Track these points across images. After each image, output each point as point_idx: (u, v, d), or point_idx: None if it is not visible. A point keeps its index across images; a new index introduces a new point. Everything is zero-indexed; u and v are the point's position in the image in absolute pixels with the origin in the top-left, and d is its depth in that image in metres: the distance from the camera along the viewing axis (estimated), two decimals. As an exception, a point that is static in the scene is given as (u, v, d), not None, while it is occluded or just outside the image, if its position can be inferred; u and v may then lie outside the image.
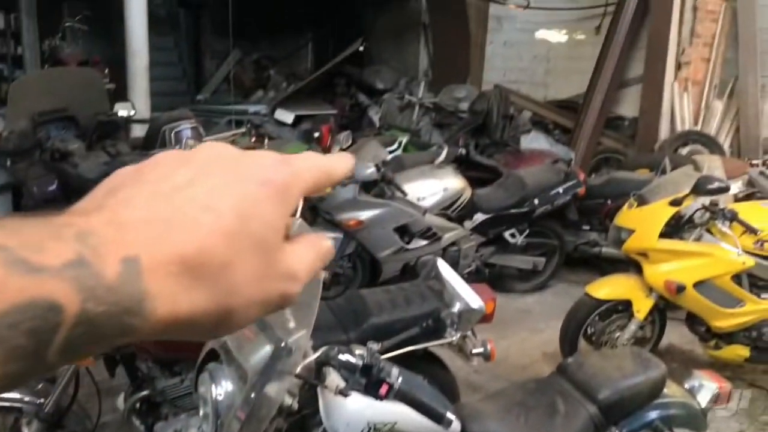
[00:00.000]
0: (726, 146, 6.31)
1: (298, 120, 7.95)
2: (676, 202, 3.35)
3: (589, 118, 6.45)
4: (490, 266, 4.87)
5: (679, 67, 6.37)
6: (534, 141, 6.33)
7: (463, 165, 5.66)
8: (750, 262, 3.32)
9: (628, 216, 3.56)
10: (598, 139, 6.65)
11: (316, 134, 7.17)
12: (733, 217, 3.28)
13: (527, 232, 4.85)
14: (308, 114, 7.92)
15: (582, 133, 6.46)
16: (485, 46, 8.56)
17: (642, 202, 3.51)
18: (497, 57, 8.53)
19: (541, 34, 7.98)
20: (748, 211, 3.44)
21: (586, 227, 5.17)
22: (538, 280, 5.10)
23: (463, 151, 5.59)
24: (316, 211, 4.66)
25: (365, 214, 4.29)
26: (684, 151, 6.07)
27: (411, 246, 4.48)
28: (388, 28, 9.87)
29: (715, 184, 3.27)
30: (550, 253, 5.06)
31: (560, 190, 4.79)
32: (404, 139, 6.05)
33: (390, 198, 4.37)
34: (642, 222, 3.45)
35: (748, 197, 5.58)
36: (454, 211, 4.60)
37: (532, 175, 4.85)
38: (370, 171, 4.13)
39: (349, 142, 4.97)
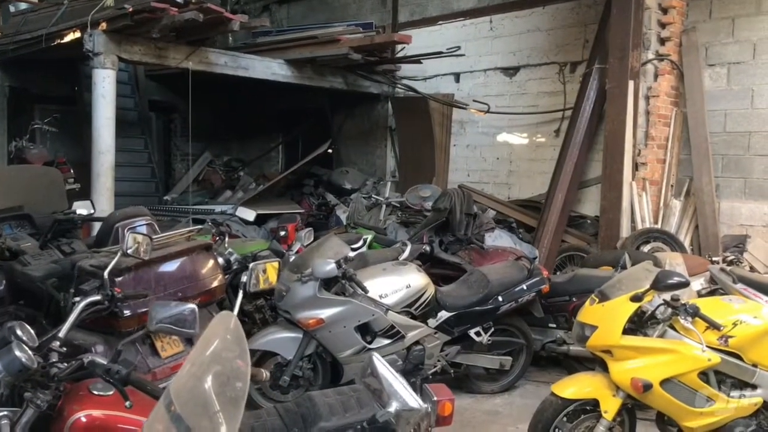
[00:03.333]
0: (686, 243, 6.41)
1: (264, 219, 7.93)
2: (636, 298, 3.32)
3: (551, 217, 6.53)
4: (456, 366, 4.73)
5: (636, 167, 6.56)
6: (498, 239, 6.36)
7: (427, 262, 5.64)
8: (715, 358, 3.26)
9: (590, 312, 3.50)
10: (561, 237, 6.72)
11: (282, 232, 7.15)
12: (695, 313, 3.25)
13: (492, 330, 4.76)
14: (275, 213, 7.91)
15: (545, 231, 6.52)
16: (449, 148, 8.78)
17: (603, 298, 3.47)
18: (461, 158, 8.74)
19: (503, 137, 8.24)
20: (710, 306, 3.42)
21: (553, 325, 5.10)
22: (506, 380, 4.96)
23: (427, 248, 5.57)
24: (275, 310, 4.55)
25: (325, 313, 4.17)
26: (646, 248, 6.14)
27: (373, 345, 4.34)
28: (356, 132, 10.11)
29: (674, 279, 3.25)
30: (518, 352, 4.95)
31: (524, 286, 4.75)
32: (369, 237, 6.02)
33: (351, 295, 4.27)
34: (604, 318, 3.39)
35: (711, 294, 5.62)
36: (417, 308, 4.51)
37: (495, 271, 4.82)
38: (329, 268, 4.05)
39: (311, 239, 4.92)
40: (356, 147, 10.19)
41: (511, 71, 8.14)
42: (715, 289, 5.46)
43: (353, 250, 5.88)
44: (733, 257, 5.66)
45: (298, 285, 4.17)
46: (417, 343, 4.54)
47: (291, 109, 11.26)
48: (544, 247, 6.44)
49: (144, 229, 4.16)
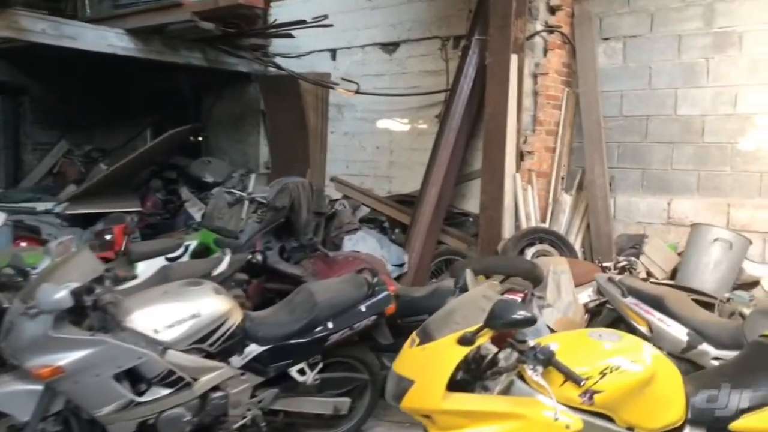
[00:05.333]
0: (577, 245, 5.54)
1: (93, 219, 6.59)
2: (466, 340, 2.30)
3: (423, 214, 5.54)
4: (274, 414, 3.63)
5: (522, 156, 5.65)
6: (361, 242, 5.30)
7: (260, 275, 4.53)
8: (576, 423, 2.28)
9: (407, 359, 2.47)
10: (436, 238, 5.73)
11: (107, 236, 5.86)
12: (547, 360, 2.25)
13: (321, 365, 3.67)
14: (108, 212, 6.57)
15: (416, 231, 5.52)
16: (326, 136, 7.68)
17: (425, 337, 2.44)
18: (340, 147, 7.65)
19: (383, 123, 7.19)
20: (572, 346, 2.44)
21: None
22: (346, 426, 3.88)
23: (259, 257, 4.45)
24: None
25: (64, 358, 2.95)
26: (530, 252, 5.22)
27: (146, 398, 3.17)
28: (227, 117, 8.88)
29: (517, 314, 2.24)
30: (360, 390, 3.89)
31: (362, 307, 3.68)
32: (193, 243, 4.83)
33: (108, 332, 3.09)
34: (424, 368, 2.36)
35: (600, 306, 4.76)
36: (214, 344, 3.35)
37: (325, 290, 3.74)
38: (58, 296, 2.84)
39: (72, 248, 3.69)
40: (227, 134, 8.95)
41: (390, 47, 7.09)
42: (604, 301, 4.60)
43: (170, 260, 4.72)
44: (626, 262, 4.80)
45: (25, 320, 2.94)
46: (216, 389, 3.41)
47: (161, 92, 9.88)
48: (415, 250, 5.43)
49: None
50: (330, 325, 3.58)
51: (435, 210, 5.54)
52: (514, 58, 5.36)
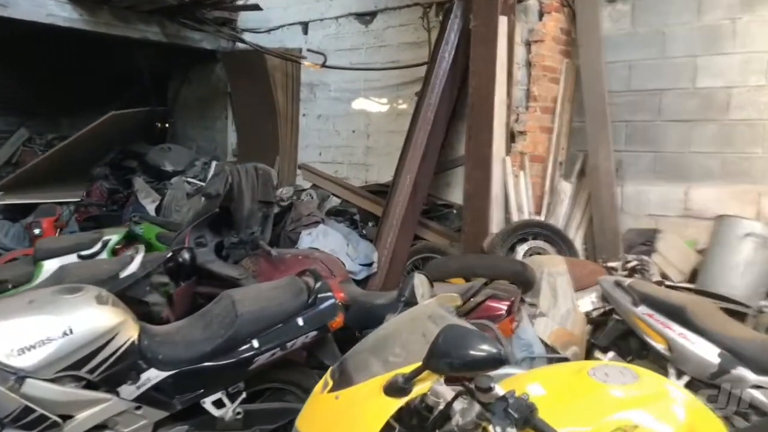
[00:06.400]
0: (578, 242, 4.71)
1: (28, 209, 5.79)
2: (397, 388, 1.48)
3: (396, 206, 4.71)
4: (184, 458, 2.82)
5: (513, 137, 4.81)
6: (322, 238, 4.48)
7: (191, 276, 3.72)
8: None
9: (316, 410, 1.66)
10: (412, 233, 4.90)
11: (36, 230, 5.08)
12: (525, 418, 1.43)
13: (243, 395, 2.85)
14: (43, 203, 5.77)
15: (388, 225, 4.69)
16: (298, 119, 6.85)
17: (343, 380, 1.62)
18: (313, 132, 6.82)
19: (359, 103, 6.36)
20: (565, 392, 1.63)
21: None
22: (283, 469, 3.08)
23: (185, 255, 3.64)
24: None
25: None
26: (522, 249, 4.39)
27: (-4, 444, 2.37)
28: (195, 100, 8.06)
29: (475, 351, 1.42)
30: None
31: (299, 321, 2.86)
32: (115, 238, 4.02)
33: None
34: (337, 428, 1.55)
35: (605, 316, 3.93)
36: (96, 370, 2.54)
37: (251, 298, 2.91)
38: None
39: None
40: (194, 119, 8.15)
41: (367, 17, 6.26)
42: (610, 310, 3.77)
43: (84, 258, 3.91)
44: (636, 263, 3.98)
45: None
46: (101, 428, 2.60)
47: (125, 75, 9.09)
48: (387, 247, 4.61)
49: None
50: (255, 343, 2.75)
51: (410, 200, 4.71)
52: (503, 21, 4.53)
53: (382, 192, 5.75)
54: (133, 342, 2.62)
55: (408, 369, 1.47)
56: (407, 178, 4.71)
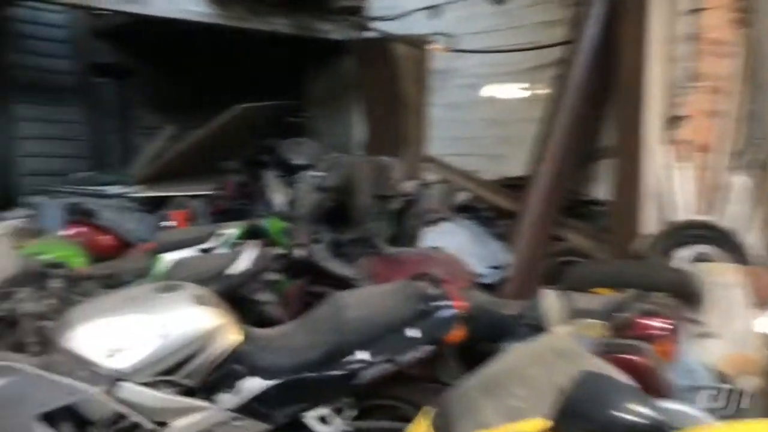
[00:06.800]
0: (757, 248, 3.95)
1: (164, 203, 5.94)
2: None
3: (533, 203, 4.22)
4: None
5: (673, 123, 4.13)
6: (448, 236, 4.10)
7: (304, 275, 3.50)
8: None
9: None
10: (549, 234, 4.37)
11: (168, 223, 5.16)
12: None
13: (352, 411, 2.54)
14: (180, 196, 5.89)
15: (524, 224, 4.21)
16: (426, 109, 6.50)
17: (445, 427, 1.24)
18: (442, 122, 6.44)
19: (492, 90, 5.89)
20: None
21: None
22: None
23: (299, 253, 3.42)
24: None
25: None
26: (683, 255, 3.74)
27: (91, 450, 2.24)
28: (325, 93, 7.99)
29: (623, 416, 0.99)
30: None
31: (410, 332, 2.51)
32: (233, 232, 3.89)
33: (38, 354, 2.18)
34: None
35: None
36: (192, 376, 2.35)
37: (360, 304, 2.60)
38: None
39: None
40: (324, 113, 8.07)
41: (501, -4, 5.77)
42: (799, 332, 3.06)
43: (202, 251, 3.82)
44: (834, 274, 3.21)
45: None
46: (199, 438, 2.41)
47: (263, 70, 9.24)
48: (521, 248, 4.13)
49: None
50: (362, 355, 2.44)
51: (549, 196, 4.20)
52: (661, -13, 3.89)
53: (516, 186, 5.23)
54: (233, 347, 2.40)
55: (532, 426, 1.07)
56: (546, 171, 4.20)
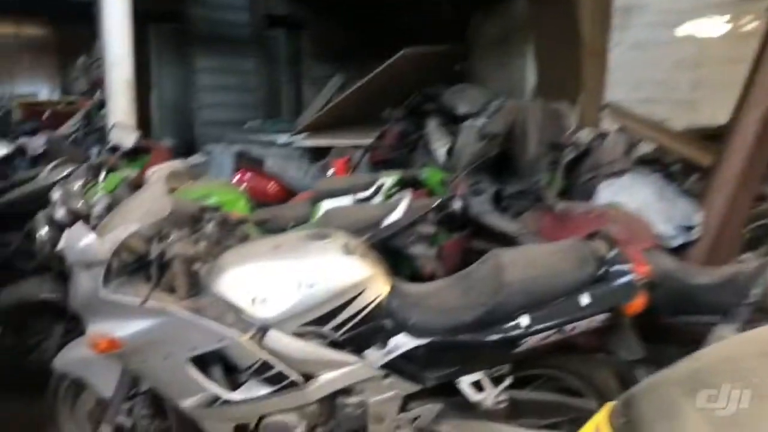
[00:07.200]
0: None
1: (326, 152, 5.96)
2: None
3: (733, 155, 3.58)
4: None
5: None
6: (626, 191, 3.61)
7: (462, 228, 3.26)
8: None
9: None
10: (755, 191, 3.71)
11: (328, 171, 5.18)
12: None
13: (508, 381, 2.29)
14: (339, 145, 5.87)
15: (720, 180, 3.60)
16: (606, 52, 5.84)
17: (632, 427, 0.94)
18: (625, 65, 5.76)
19: (687, 27, 5.12)
20: None
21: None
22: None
23: (457, 204, 3.18)
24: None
25: (120, 329, 2.13)
26: None
27: (239, 395, 2.22)
28: (491, 37, 7.54)
29: None
30: (581, 423, 2.42)
31: (582, 298, 2.17)
32: (390, 181, 3.73)
33: (195, 295, 2.17)
34: None
35: None
36: (341, 328, 2.23)
37: (524, 263, 2.30)
38: (83, 244, 1.99)
39: (183, 180, 2.81)
40: (492, 57, 7.64)
41: None
42: None
43: (359, 201, 3.72)
44: None
45: (82, 274, 2.17)
46: (345, 393, 2.31)
47: (427, 16, 8.96)
48: (715, 208, 3.54)
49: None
50: (523, 321, 2.17)
51: (756, 147, 3.54)
52: None
53: (712, 137, 4.53)
54: (381, 300, 2.25)
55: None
56: (753, 120, 3.53)
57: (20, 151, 6.61)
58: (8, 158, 5.89)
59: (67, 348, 2.46)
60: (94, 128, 6.28)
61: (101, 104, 6.18)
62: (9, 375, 2.88)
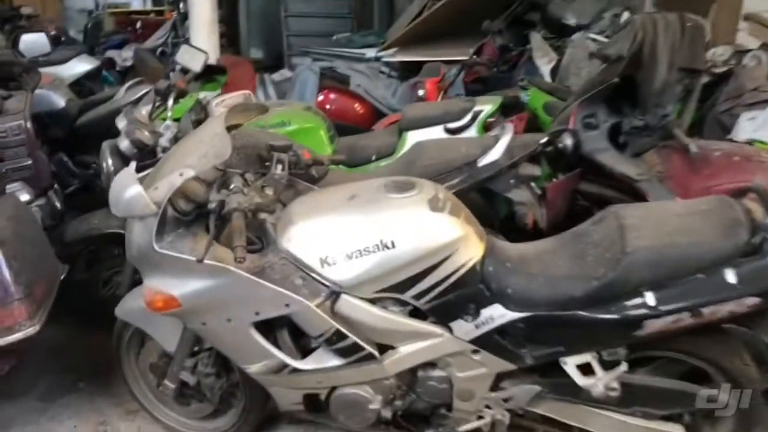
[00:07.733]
0: None
1: (418, 68, 5.48)
2: None
3: None
4: (533, 421, 2.08)
5: None
6: (773, 126, 2.99)
7: (573, 168, 2.82)
8: None
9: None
10: None
11: (420, 91, 4.76)
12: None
13: (623, 367, 1.91)
14: (432, 61, 5.36)
15: None
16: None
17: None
18: (772, -33, 4.85)
19: None
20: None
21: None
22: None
23: (567, 141, 2.71)
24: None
25: (177, 288, 1.89)
26: None
27: (309, 364, 1.97)
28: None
29: None
30: (707, 415, 2.02)
31: (729, 275, 1.72)
32: (489, 107, 3.28)
33: (260, 250, 1.90)
34: None
35: None
36: (424, 296, 1.89)
37: (652, 226, 1.85)
38: (130, 195, 1.72)
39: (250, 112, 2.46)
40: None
41: None
42: None
43: (451, 132, 3.30)
44: None
45: (135, 223, 1.93)
46: (428, 366, 2.01)
47: None
48: None
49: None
50: (649, 298, 1.77)
51: None
52: None
53: None
54: (474, 265, 1.90)
55: None
56: None
57: (111, 64, 6.55)
58: (95, 73, 5.82)
59: (130, 295, 2.29)
60: (181, 41, 6.10)
61: (186, 15, 5.96)
62: (81, 309, 2.78)
